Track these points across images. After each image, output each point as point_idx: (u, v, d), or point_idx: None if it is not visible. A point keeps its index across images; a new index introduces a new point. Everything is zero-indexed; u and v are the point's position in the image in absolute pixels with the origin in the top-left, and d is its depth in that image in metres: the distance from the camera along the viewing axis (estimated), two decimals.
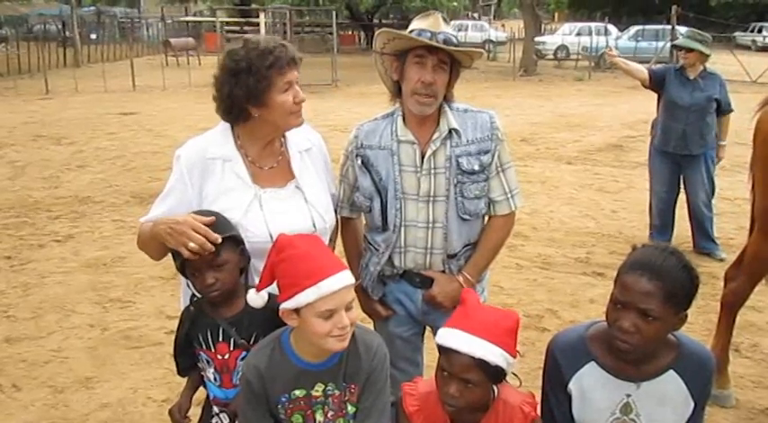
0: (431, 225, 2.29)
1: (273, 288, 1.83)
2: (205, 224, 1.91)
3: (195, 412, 2.20)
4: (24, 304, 4.69)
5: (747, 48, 31.40)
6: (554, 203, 7.24)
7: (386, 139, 2.30)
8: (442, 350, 1.83)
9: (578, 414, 1.93)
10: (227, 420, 2.07)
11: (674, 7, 19.51)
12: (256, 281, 2.07)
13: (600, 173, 8.70)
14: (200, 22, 32.65)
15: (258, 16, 20.90)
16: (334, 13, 21.90)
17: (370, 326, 2.46)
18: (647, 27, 25.69)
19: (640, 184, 7.67)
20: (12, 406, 3.46)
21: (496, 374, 1.80)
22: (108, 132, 11.44)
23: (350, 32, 36.13)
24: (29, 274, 5.26)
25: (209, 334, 2.00)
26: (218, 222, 1.95)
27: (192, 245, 1.86)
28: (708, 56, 5.41)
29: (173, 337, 2.13)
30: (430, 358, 2.62)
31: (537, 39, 25.17)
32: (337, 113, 13.38)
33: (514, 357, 1.83)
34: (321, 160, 2.34)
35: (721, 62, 14.81)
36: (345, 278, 1.75)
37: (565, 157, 9.63)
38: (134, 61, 18.80)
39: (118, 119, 12.89)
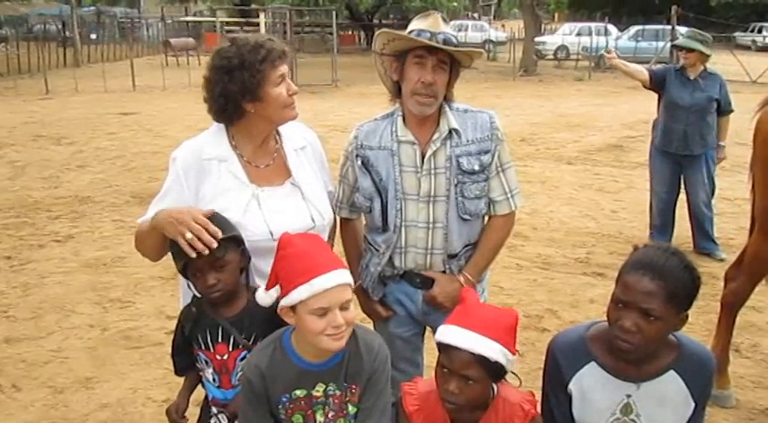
0: (431, 225, 2.28)
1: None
2: (205, 216, 1.92)
3: (193, 412, 2.20)
4: (24, 304, 4.69)
5: (747, 48, 31.41)
6: (554, 203, 7.24)
7: (386, 140, 2.30)
8: (442, 347, 1.83)
9: (578, 414, 1.93)
10: (226, 421, 2.07)
11: (674, 7, 19.51)
12: (257, 280, 2.08)
13: (600, 173, 8.70)
14: (200, 22, 32.66)
15: (258, 16, 20.89)
16: (334, 13, 21.88)
17: (371, 326, 2.46)
18: (647, 27, 25.70)
19: (640, 185, 7.68)
20: (11, 406, 3.46)
21: (496, 371, 1.80)
22: (108, 132, 11.44)
23: (350, 32, 36.13)
24: (29, 274, 5.26)
25: (208, 334, 2.00)
26: (219, 222, 1.95)
27: (189, 235, 1.86)
28: (708, 56, 5.41)
29: (172, 337, 2.13)
30: (430, 359, 2.62)
31: (537, 39, 25.18)
32: (337, 113, 13.38)
33: (514, 355, 1.83)
34: (317, 158, 2.34)
35: (721, 62, 14.80)
36: (340, 277, 1.75)
37: (565, 158, 9.63)
38: (134, 61, 18.80)
39: (118, 119, 12.89)
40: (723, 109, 5.46)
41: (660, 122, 5.66)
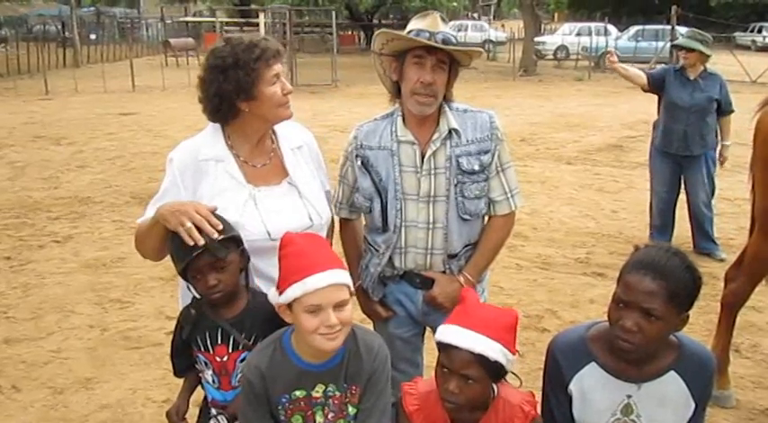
0: (431, 225, 2.28)
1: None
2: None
3: (192, 413, 2.20)
4: (24, 305, 4.69)
5: (747, 48, 31.41)
6: (554, 203, 7.24)
7: (386, 140, 2.30)
8: (442, 347, 1.83)
9: (579, 415, 1.92)
10: (226, 422, 2.07)
11: (673, 7, 19.52)
12: (256, 281, 2.08)
13: (600, 173, 8.69)
14: (199, 22, 32.63)
15: (258, 16, 20.89)
16: (333, 13, 21.90)
17: (370, 327, 2.46)
18: (647, 27, 25.70)
19: (640, 185, 7.68)
20: (11, 407, 3.46)
21: (496, 371, 1.80)
22: (107, 133, 11.44)
23: (349, 33, 36.13)
24: (28, 274, 5.26)
25: (207, 336, 2.00)
26: (220, 221, 1.95)
27: (189, 224, 1.86)
28: (708, 56, 5.40)
29: (171, 338, 2.13)
30: (430, 359, 2.62)
31: (537, 39, 25.18)
32: (337, 114, 13.38)
33: (514, 355, 1.83)
34: (313, 158, 2.34)
35: (721, 62, 14.80)
36: (334, 277, 1.75)
37: (565, 158, 9.63)
38: (134, 61, 18.79)
39: (117, 119, 12.89)
40: (724, 109, 5.46)
41: (660, 123, 5.66)
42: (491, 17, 47.36)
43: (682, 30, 20.50)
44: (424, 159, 2.25)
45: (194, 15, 39.01)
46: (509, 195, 2.35)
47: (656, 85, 5.57)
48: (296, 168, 2.22)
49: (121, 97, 16.06)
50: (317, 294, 1.72)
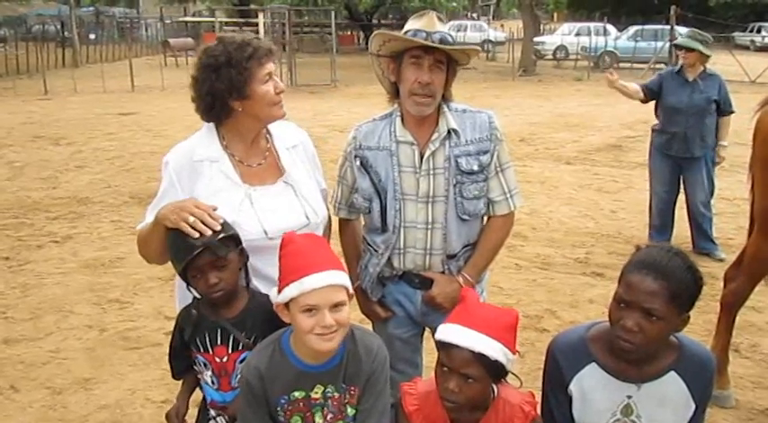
0: (430, 226, 2.28)
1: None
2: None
3: (192, 413, 2.19)
4: (23, 305, 4.68)
5: (746, 48, 31.43)
6: (553, 203, 7.24)
7: (385, 140, 2.30)
8: (442, 346, 1.82)
9: (579, 415, 1.92)
10: None
11: (672, 7, 19.54)
12: (254, 280, 2.08)
13: (599, 173, 8.69)
14: (198, 22, 32.61)
15: (257, 16, 20.88)
16: (332, 13, 21.92)
17: (369, 327, 2.46)
18: (646, 27, 25.69)
19: (639, 185, 7.67)
20: (10, 407, 3.45)
21: (496, 370, 1.80)
22: (107, 133, 11.43)
23: (349, 33, 36.13)
24: (27, 274, 5.25)
25: (207, 337, 1.99)
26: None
27: (192, 219, 1.87)
28: (708, 57, 5.40)
29: (169, 340, 2.12)
30: (429, 359, 2.62)
31: (536, 39, 25.18)
32: (336, 114, 13.38)
33: (514, 355, 1.82)
34: (309, 157, 2.33)
35: (720, 62, 14.80)
36: (331, 277, 1.75)
37: (564, 158, 9.63)
38: (133, 61, 18.78)
39: (117, 119, 12.88)
40: (723, 110, 5.45)
41: (659, 126, 5.65)
42: (490, 17, 47.40)
43: (681, 30, 20.51)
44: (423, 160, 2.25)
45: (193, 15, 39.00)
46: (508, 195, 2.35)
47: (653, 95, 5.60)
48: (292, 167, 2.22)
49: (121, 97, 16.06)
50: (314, 295, 1.72)
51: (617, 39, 25.34)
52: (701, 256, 5.42)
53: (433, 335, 1.95)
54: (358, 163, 2.33)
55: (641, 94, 5.64)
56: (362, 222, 2.50)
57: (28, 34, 27.84)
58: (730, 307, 3.47)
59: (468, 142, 2.27)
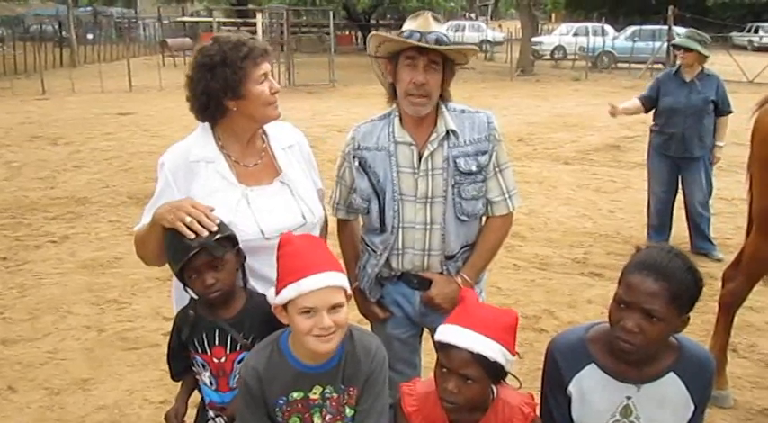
0: (428, 226, 2.28)
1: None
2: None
3: (191, 414, 2.19)
4: (20, 305, 4.67)
5: (744, 48, 31.47)
6: (551, 204, 7.24)
7: (383, 141, 2.29)
8: (441, 346, 1.82)
9: (578, 416, 1.92)
10: None
11: (670, 8, 19.57)
12: (251, 281, 2.07)
13: (597, 173, 8.70)
14: (197, 22, 32.60)
15: (255, 16, 20.87)
16: (331, 13, 21.92)
17: (368, 328, 2.45)
18: (644, 27, 25.71)
19: (638, 185, 7.68)
20: (7, 408, 3.44)
21: (495, 371, 1.80)
22: (105, 133, 11.42)
23: (347, 33, 36.12)
24: (25, 275, 5.24)
25: (204, 337, 1.99)
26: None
27: (188, 219, 1.87)
28: (706, 57, 5.40)
29: (167, 341, 2.12)
30: (428, 360, 2.61)
31: (534, 39, 25.19)
32: (335, 114, 13.38)
33: (514, 355, 1.82)
34: (304, 157, 2.33)
35: (718, 62, 14.80)
36: (329, 279, 1.74)
37: (562, 158, 9.63)
38: (131, 61, 18.74)
39: (115, 119, 12.86)
40: (721, 110, 5.45)
41: (658, 126, 5.64)
42: (488, 17, 47.43)
43: (679, 30, 20.54)
44: (422, 160, 2.25)
45: (191, 15, 38.97)
46: (507, 196, 2.35)
47: (652, 102, 5.61)
48: (288, 167, 2.22)
49: (119, 97, 16.03)
50: (312, 296, 1.72)
51: (615, 39, 25.37)
52: (699, 256, 5.42)
53: (432, 335, 1.95)
54: (356, 163, 2.32)
55: (641, 107, 5.66)
56: (361, 223, 2.49)
57: (26, 34, 27.82)
58: (728, 307, 3.47)
59: (466, 143, 2.27)
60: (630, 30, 25.95)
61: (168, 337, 2.11)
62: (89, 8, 39.27)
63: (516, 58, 22.48)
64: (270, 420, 1.86)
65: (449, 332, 1.81)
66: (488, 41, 29.92)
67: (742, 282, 3.40)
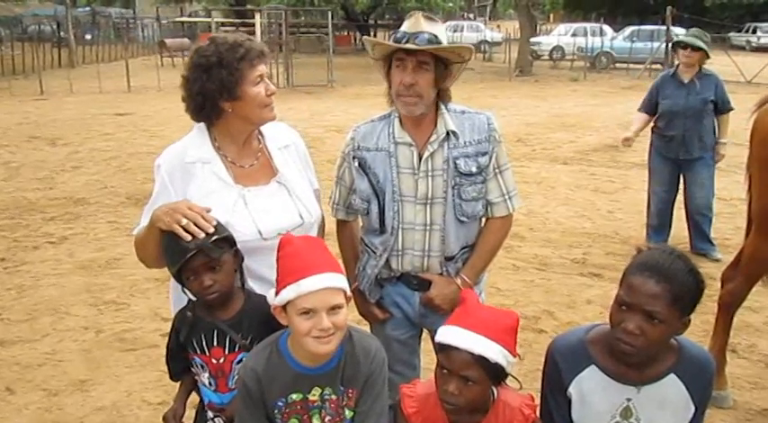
0: (428, 227, 2.27)
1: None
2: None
3: (189, 415, 2.18)
4: (18, 306, 4.66)
5: (742, 48, 31.50)
6: (550, 204, 7.24)
7: (383, 141, 2.29)
8: (442, 348, 1.81)
9: (578, 417, 1.91)
10: None
11: (668, 8, 19.59)
12: (249, 282, 2.07)
13: (596, 173, 8.70)
14: (195, 22, 32.58)
15: (253, 17, 20.86)
16: (329, 13, 21.89)
17: (367, 329, 2.45)
18: (643, 28, 25.73)
19: (636, 185, 7.68)
20: (5, 409, 3.43)
21: (496, 372, 1.79)
22: (103, 133, 11.40)
23: (345, 33, 36.13)
24: (23, 276, 5.23)
25: (203, 338, 1.98)
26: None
27: (185, 221, 1.86)
28: (709, 57, 5.40)
29: (166, 342, 2.11)
30: (427, 361, 2.61)
31: (532, 39, 25.21)
32: (333, 114, 13.37)
33: (514, 357, 1.82)
34: (301, 157, 2.33)
35: (717, 63, 14.79)
36: (329, 280, 1.74)
37: (561, 158, 9.63)
38: (129, 62, 18.74)
39: (113, 120, 12.85)
40: (721, 108, 5.44)
41: (659, 129, 5.60)
42: (487, 18, 47.44)
43: (677, 30, 20.58)
44: (422, 161, 2.24)
45: (190, 16, 38.95)
46: (507, 197, 2.35)
47: (654, 109, 5.57)
48: (284, 167, 2.22)
49: (117, 98, 16.02)
50: (311, 297, 1.71)
51: (613, 39, 25.40)
52: (698, 257, 5.41)
53: (431, 336, 1.95)
54: (356, 164, 2.32)
55: (649, 117, 5.63)
56: (360, 223, 2.49)
57: (24, 34, 27.76)
58: (728, 307, 3.47)
59: (466, 144, 2.26)
60: (629, 30, 25.98)
61: (167, 338, 2.10)
62: (87, 8, 39.23)
63: (515, 58, 22.49)
64: (269, 422, 1.85)
65: (449, 333, 1.81)
66: (487, 42, 29.94)
67: (741, 282, 3.40)
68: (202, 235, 1.87)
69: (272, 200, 2.15)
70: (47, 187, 7.89)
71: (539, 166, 9.08)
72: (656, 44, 21.97)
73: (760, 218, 3.30)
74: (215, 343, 1.98)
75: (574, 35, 26.66)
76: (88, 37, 30.32)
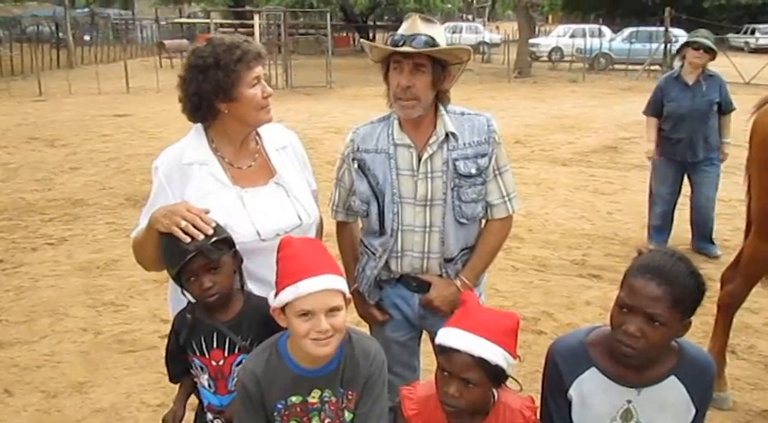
0: (428, 229, 2.27)
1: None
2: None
3: (189, 418, 2.18)
4: (17, 308, 4.65)
5: (740, 49, 31.54)
6: (549, 205, 7.24)
7: (382, 143, 2.29)
8: (442, 350, 1.81)
9: (578, 420, 1.91)
10: None
11: (667, 9, 19.63)
12: (248, 283, 2.06)
13: (595, 174, 8.70)
14: (194, 23, 32.58)
15: (252, 18, 20.87)
16: (328, 14, 21.89)
17: (367, 331, 2.44)
18: (641, 29, 25.77)
19: (636, 186, 7.68)
20: (4, 411, 3.43)
21: (496, 374, 1.79)
22: (102, 134, 11.40)
23: (344, 34, 36.16)
24: (21, 277, 5.22)
25: (203, 340, 1.98)
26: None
27: (184, 223, 1.86)
28: (714, 59, 5.40)
29: (166, 344, 2.11)
30: (426, 362, 2.61)
31: (531, 40, 25.22)
32: (332, 115, 13.37)
33: (515, 359, 1.81)
34: (298, 158, 2.33)
35: (715, 64, 14.83)
36: (327, 282, 1.73)
37: (560, 159, 9.63)
38: (128, 63, 18.74)
39: (112, 121, 12.84)
40: (725, 109, 5.42)
41: (664, 132, 5.53)
42: (485, 19, 47.41)
43: (675, 31, 20.61)
44: (421, 162, 2.24)
45: (189, 17, 38.97)
46: (506, 199, 2.34)
47: (661, 111, 5.49)
48: (282, 168, 2.22)
49: (116, 99, 16.01)
50: (310, 299, 1.71)
51: (612, 40, 25.42)
52: (697, 257, 5.41)
53: (431, 338, 1.94)
54: (356, 165, 2.32)
55: (658, 121, 5.53)
56: (360, 225, 2.49)
57: (22, 35, 27.70)
58: (727, 309, 3.47)
59: (466, 145, 2.26)
60: (627, 31, 26.01)
61: (166, 340, 2.10)
62: (86, 9, 39.26)
63: (513, 59, 22.51)
64: None
65: (450, 336, 1.80)
66: (485, 43, 29.95)
67: (740, 283, 3.40)
68: (201, 237, 1.86)
69: (270, 201, 2.15)
70: (45, 188, 7.88)
71: (537, 167, 9.08)
72: (654, 45, 22.01)
73: (759, 219, 3.30)
74: (215, 345, 1.97)
75: (572, 36, 26.70)
76: (87, 38, 30.32)
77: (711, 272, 4.68)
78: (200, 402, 2.11)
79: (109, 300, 4.79)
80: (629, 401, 1.86)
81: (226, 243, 1.94)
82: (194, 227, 1.87)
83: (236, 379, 1.96)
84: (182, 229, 1.86)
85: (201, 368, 2.01)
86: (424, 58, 2.16)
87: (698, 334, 3.90)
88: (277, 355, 1.84)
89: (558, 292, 4.93)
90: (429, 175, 2.24)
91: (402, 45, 2.14)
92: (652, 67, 21.92)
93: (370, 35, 32.17)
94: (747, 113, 3.41)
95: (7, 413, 3.41)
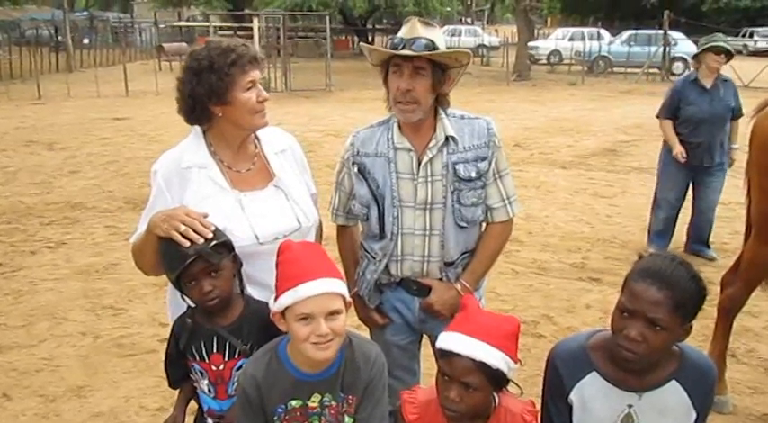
0: (428, 233, 2.27)
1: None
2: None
3: (188, 422, 2.17)
4: (16, 312, 4.64)
5: (739, 52, 31.50)
6: (549, 208, 7.24)
7: (382, 146, 2.29)
8: (443, 354, 1.80)
9: None
10: None
11: (666, 12, 19.67)
12: (247, 287, 2.06)
13: (594, 177, 8.70)
14: (193, 26, 32.62)
15: (251, 21, 20.90)
16: (327, 18, 21.93)
17: (367, 334, 2.44)
18: (640, 32, 25.81)
19: (635, 189, 7.69)
20: (2, 416, 3.42)
21: (497, 379, 1.78)
22: (101, 138, 11.39)
23: (343, 37, 36.19)
24: (20, 281, 5.21)
25: (202, 345, 1.97)
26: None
27: (183, 228, 1.85)
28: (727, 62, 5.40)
29: (165, 348, 2.10)
30: (427, 366, 2.60)
31: (530, 44, 25.28)
32: (331, 118, 13.38)
33: (516, 363, 1.81)
34: (297, 161, 2.33)
35: None
36: (327, 285, 1.73)
37: (559, 162, 9.64)
38: (127, 66, 18.74)
39: (111, 124, 12.84)
40: (736, 114, 5.40)
41: (681, 136, 5.42)
42: (484, 22, 47.54)
43: (674, 34, 20.66)
44: (421, 166, 2.24)
45: (188, 20, 39.01)
46: (506, 202, 2.34)
47: (677, 114, 5.43)
48: (281, 172, 2.22)
49: (115, 102, 16.02)
50: (309, 302, 1.71)
51: (611, 43, 25.47)
52: (695, 259, 5.41)
53: (431, 342, 1.93)
54: (355, 169, 2.32)
55: (671, 125, 5.48)
56: (360, 229, 2.48)
57: (21, 38, 27.75)
58: (727, 312, 3.47)
59: (466, 149, 2.26)
60: (626, 34, 26.06)
61: (165, 345, 2.09)
62: (85, 12, 39.32)
63: (512, 62, 22.54)
64: None
65: (450, 340, 1.79)
66: (485, 46, 30.03)
67: (740, 287, 3.40)
68: (201, 241, 1.86)
69: (269, 204, 2.14)
70: (44, 192, 7.88)
71: (537, 170, 9.08)
72: (653, 48, 22.04)
73: (759, 223, 3.30)
74: (214, 349, 1.97)
75: (571, 39, 26.76)
76: (86, 41, 30.35)
77: (711, 275, 4.69)
78: (200, 407, 2.10)
79: (108, 303, 4.78)
80: (630, 406, 1.85)
81: (225, 247, 1.94)
82: (194, 231, 1.87)
83: (236, 384, 1.95)
84: (181, 234, 1.86)
85: (201, 373, 2.00)
86: (424, 61, 2.16)
87: (698, 337, 3.89)
88: (277, 359, 1.83)
89: (558, 296, 4.93)
90: (429, 179, 2.24)
91: (402, 48, 2.14)
92: (651, 71, 21.96)
93: (369, 38, 32.19)
94: (747, 117, 3.41)
95: (6, 417, 3.40)
